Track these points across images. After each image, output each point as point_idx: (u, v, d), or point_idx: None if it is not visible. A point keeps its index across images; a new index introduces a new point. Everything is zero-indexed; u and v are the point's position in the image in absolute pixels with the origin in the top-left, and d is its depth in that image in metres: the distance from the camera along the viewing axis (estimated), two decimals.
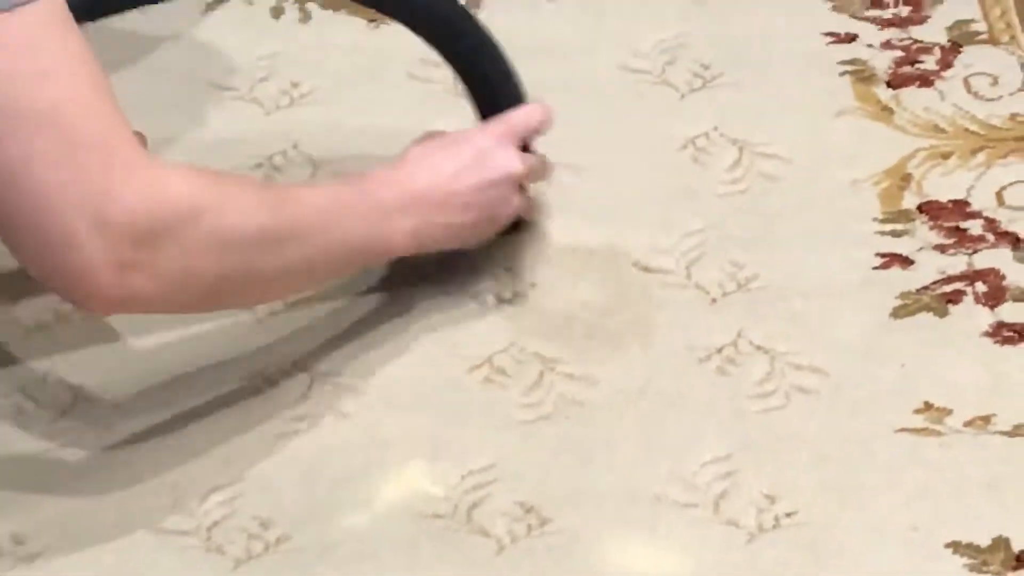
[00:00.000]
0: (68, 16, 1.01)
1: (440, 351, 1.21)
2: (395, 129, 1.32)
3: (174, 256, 1.01)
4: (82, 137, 1.00)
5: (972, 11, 1.54)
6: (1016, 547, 1.00)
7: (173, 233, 1.01)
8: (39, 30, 0.99)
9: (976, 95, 1.47)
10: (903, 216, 1.30)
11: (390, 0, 1.30)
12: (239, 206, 1.06)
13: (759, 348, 1.17)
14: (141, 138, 1.23)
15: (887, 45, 1.51)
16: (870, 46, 1.49)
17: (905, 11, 1.55)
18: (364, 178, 1.19)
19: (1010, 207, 1.31)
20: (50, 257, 1.01)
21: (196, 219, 1.01)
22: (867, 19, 1.55)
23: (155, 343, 1.22)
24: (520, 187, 1.23)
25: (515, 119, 1.23)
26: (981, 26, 1.52)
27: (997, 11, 1.54)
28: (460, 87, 1.29)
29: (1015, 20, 1.54)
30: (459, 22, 1.28)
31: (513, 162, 1.20)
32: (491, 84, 1.28)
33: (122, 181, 0.99)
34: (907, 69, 1.49)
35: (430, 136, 1.22)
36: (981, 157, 1.39)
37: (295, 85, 1.46)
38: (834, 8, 1.55)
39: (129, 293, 1.01)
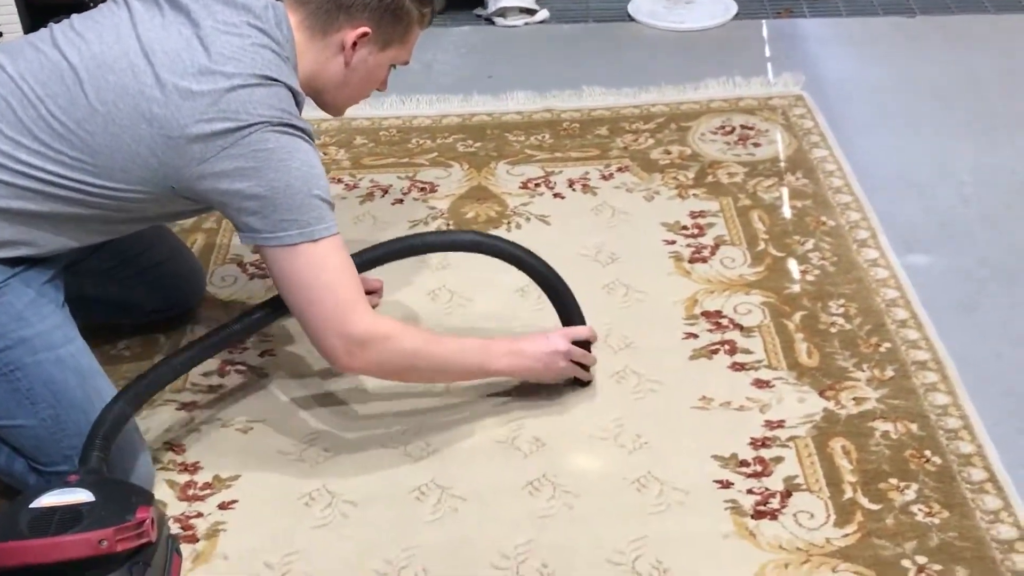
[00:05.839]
0: (341, 241, 1.48)
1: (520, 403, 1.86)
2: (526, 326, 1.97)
3: (372, 355, 1.57)
4: (340, 299, 1.52)
5: None
6: (741, 457, 1.66)
7: (373, 345, 1.56)
8: (329, 250, 1.49)
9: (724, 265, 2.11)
10: (694, 317, 2.03)
11: (524, 264, 1.80)
12: (407, 338, 1.61)
13: (634, 372, 1.88)
14: (380, 284, 1.89)
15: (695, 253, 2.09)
16: (684, 250, 2.12)
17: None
18: (492, 340, 1.75)
19: (738, 313, 2.01)
20: (322, 347, 1.57)
21: (385, 340, 1.58)
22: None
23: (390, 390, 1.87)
24: (572, 362, 1.76)
25: (575, 331, 1.80)
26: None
27: None
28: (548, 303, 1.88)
29: None
30: (555, 279, 1.85)
31: (565, 346, 1.76)
32: (569, 311, 1.86)
33: (355, 321, 1.53)
34: (696, 259, 2.14)
35: (534, 333, 1.79)
36: (722, 293, 2.04)
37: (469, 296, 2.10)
38: (666, 230, 2.23)
39: (352, 367, 1.59)
